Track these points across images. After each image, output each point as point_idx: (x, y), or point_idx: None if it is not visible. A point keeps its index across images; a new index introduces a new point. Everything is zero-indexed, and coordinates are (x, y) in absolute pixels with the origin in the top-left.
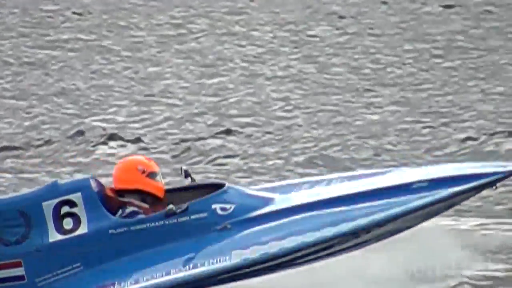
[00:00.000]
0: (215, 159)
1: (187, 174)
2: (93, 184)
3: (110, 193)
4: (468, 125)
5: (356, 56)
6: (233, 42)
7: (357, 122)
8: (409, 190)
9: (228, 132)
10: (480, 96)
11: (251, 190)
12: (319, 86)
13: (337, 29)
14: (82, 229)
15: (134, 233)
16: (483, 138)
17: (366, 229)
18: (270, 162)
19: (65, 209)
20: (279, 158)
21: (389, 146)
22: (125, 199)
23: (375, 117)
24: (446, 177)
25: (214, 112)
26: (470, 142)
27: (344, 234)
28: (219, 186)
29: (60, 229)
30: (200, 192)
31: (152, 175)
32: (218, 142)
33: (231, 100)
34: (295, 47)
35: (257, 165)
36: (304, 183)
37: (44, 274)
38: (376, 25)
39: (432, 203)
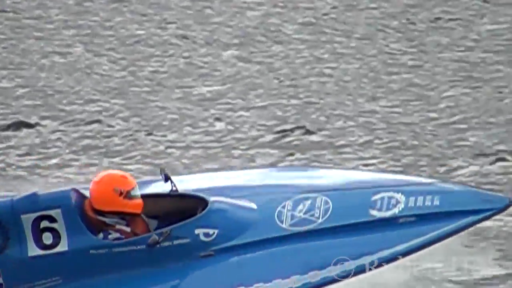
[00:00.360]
0: (8, 154)
1: (167, 178)
2: (73, 197)
3: (90, 210)
4: (264, 122)
5: (151, 51)
6: (30, 35)
7: (151, 116)
8: (395, 226)
9: (19, 125)
10: (276, 88)
11: (235, 201)
12: (110, 79)
13: (137, 24)
14: (62, 246)
15: (116, 254)
16: (278, 134)
17: (353, 275)
18: (58, 159)
19: (44, 223)
20: (72, 152)
21: (186, 140)
22: (106, 220)
23: (169, 116)
24: (434, 213)
25: (6, 105)
26: (262, 139)
27: (329, 281)
28: (201, 199)
29: (39, 243)
30: (180, 201)
31: (129, 194)
32: (9, 134)
33: (24, 91)
34: (90, 42)
35: (51, 161)
36: (287, 197)
37: (22, 284)
38: (174, 17)
39: (420, 247)
